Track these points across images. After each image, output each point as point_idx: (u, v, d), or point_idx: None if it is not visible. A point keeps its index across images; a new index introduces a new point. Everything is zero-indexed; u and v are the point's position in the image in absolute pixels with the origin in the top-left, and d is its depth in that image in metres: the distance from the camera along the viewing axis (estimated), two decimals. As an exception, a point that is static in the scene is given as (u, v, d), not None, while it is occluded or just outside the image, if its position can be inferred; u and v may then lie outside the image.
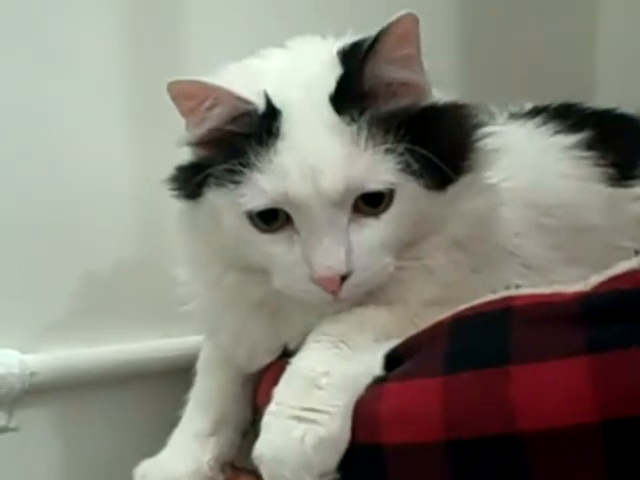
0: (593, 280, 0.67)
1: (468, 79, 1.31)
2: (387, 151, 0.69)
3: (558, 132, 0.88)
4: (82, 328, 1.01)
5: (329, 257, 0.69)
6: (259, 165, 0.70)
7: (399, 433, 0.65)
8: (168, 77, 0.71)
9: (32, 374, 0.93)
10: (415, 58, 0.71)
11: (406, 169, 0.69)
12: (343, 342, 0.71)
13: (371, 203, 0.70)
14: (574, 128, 0.88)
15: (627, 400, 0.58)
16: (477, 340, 0.66)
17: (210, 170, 0.72)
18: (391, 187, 0.70)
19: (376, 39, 0.69)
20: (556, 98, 0.97)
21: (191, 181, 0.74)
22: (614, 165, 0.85)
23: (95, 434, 1.02)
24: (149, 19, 1.07)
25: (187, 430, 0.84)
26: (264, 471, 0.68)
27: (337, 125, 0.70)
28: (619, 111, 0.95)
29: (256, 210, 0.70)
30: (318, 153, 0.69)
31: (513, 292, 0.69)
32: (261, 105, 0.71)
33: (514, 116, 0.94)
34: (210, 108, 0.71)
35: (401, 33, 0.69)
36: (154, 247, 1.05)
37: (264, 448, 0.68)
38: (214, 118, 0.71)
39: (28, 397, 0.94)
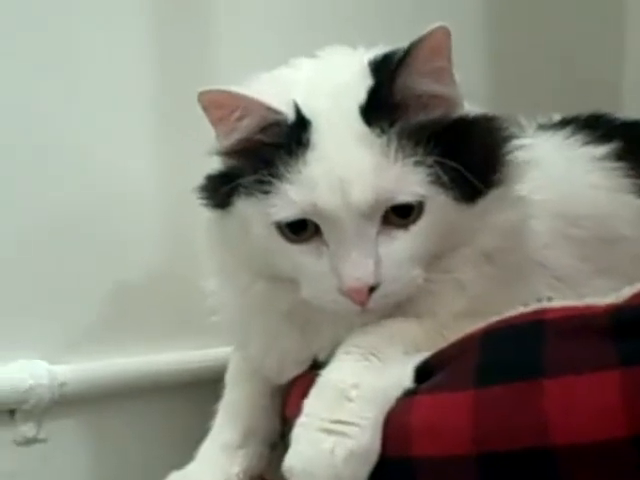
0: (625, 292, 0.66)
1: (496, 90, 1.31)
2: (417, 163, 0.69)
3: (587, 143, 0.88)
4: (111, 339, 1.01)
5: (357, 269, 0.69)
6: (288, 175, 0.70)
7: (429, 446, 0.65)
8: (198, 86, 0.72)
9: (61, 385, 0.93)
10: (447, 71, 0.71)
11: (436, 181, 0.69)
12: (373, 354, 0.71)
13: (400, 215, 0.70)
14: (603, 139, 0.87)
15: None
16: (509, 353, 0.66)
17: (239, 180, 0.72)
18: (420, 199, 0.69)
19: (408, 51, 0.69)
20: (584, 109, 0.97)
21: (220, 190, 0.74)
22: None
23: (123, 445, 1.02)
24: (178, 26, 1.08)
25: (216, 442, 0.84)
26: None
27: (367, 136, 0.69)
28: None
29: (285, 221, 0.70)
30: (347, 164, 0.69)
31: (545, 305, 0.69)
32: (290, 115, 0.71)
33: (543, 127, 0.94)
34: (240, 118, 0.71)
35: (433, 46, 0.69)
36: (182, 258, 1.05)
37: (294, 460, 0.68)
38: (243, 128, 0.71)
39: (57, 408, 0.94)
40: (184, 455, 0.84)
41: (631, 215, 0.84)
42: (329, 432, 0.66)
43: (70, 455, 0.97)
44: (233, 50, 1.10)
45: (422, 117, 0.70)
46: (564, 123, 0.92)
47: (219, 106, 0.71)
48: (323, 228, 0.70)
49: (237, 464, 0.82)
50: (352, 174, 0.69)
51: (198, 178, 0.78)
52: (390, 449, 0.67)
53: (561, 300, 0.70)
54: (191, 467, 0.83)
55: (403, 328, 0.74)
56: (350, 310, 0.70)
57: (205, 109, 0.72)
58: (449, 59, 0.70)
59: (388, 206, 0.69)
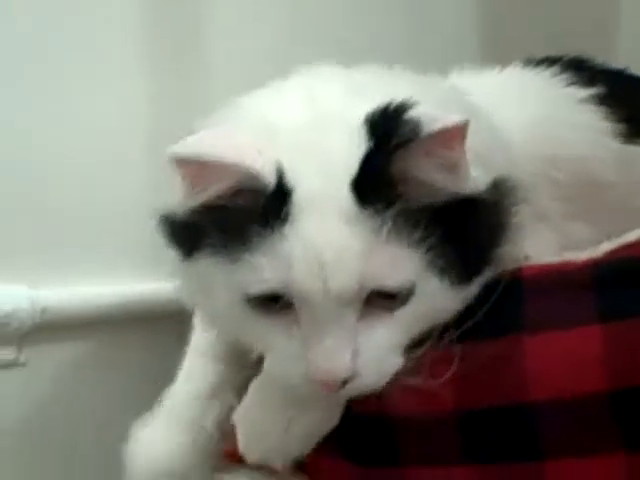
0: (604, 247, 0.67)
1: (489, 36, 1.31)
2: (411, 246, 0.60)
3: (571, 84, 0.85)
4: (94, 266, 1.03)
5: (330, 360, 0.60)
6: (261, 248, 0.60)
7: (408, 404, 0.66)
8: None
9: (42, 310, 0.95)
10: (458, 165, 0.61)
11: (430, 266, 0.61)
12: None
13: (386, 297, 0.61)
14: (587, 82, 0.86)
15: (636, 365, 0.60)
16: (490, 312, 0.65)
17: (204, 239, 0.63)
18: (409, 285, 0.61)
19: (416, 134, 0.58)
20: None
21: (183, 238, 0.66)
22: (626, 121, 0.83)
23: (102, 373, 1.04)
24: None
25: (183, 392, 0.78)
26: (240, 436, 0.69)
27: (357, 216, 0.59)
28: (630, 72, 0.94)
29: (254, 295, 0.61)
30: (330, 245, 0.59)
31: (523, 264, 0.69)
32: (271, 181, 0.60)
33: (529, 62, 0.90)
34: (214, 182, 0.60)
35: (447, 137, 0.59)
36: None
37: (246, 418, 0.70)
38: (216, 191, 0.61)
39: (37, 333, 0.96)
40: (162, 387, 0.82)
41: (612, 159, 0.83)
42: (288, 404, 0.67)
43: (48, 380, 0.99)
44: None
45: (424, 200, 0.61)
46: (550, 61, 0.89)
47: (191, 172, 0.61)
48: (297, 305, 0.61)
49: (209, 416, 0.75)
50: (334, 257, 0.59)
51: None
52: (366, 406, 0.67)
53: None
54: (157, 423, 0.76)
55: None
56: (318, 394, 0.64)
57: (177, 167, 0.61)
58: (463, 151, 0.60)
59: (373, 290, 0.61)
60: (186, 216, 0.63)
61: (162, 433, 0.75)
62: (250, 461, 0.70)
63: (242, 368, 0.75)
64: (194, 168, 0.60)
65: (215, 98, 0.68)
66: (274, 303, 0.61)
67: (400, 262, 0.60)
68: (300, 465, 0.75)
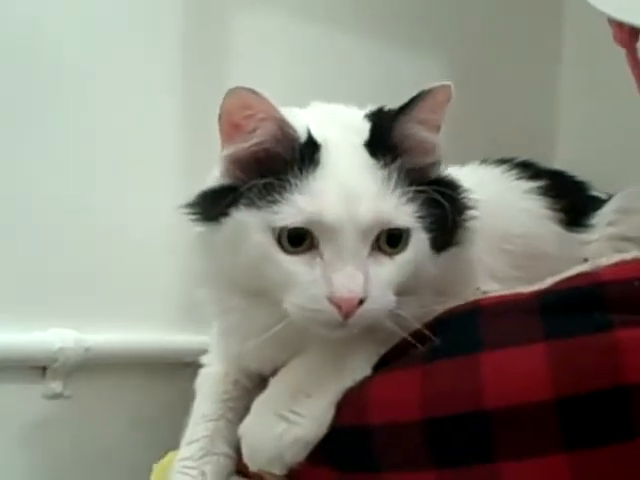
0: (549, 281, 0.75)
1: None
2: (409, 199, 0.74)
3: (519, 178, 0.97)
4: (132, 317, 1.13)
5: (351, 281, 0.71)
6: (297, 186, 0.73)
7: (383, 414, 0.73)
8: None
9: (86, 350, 1.05)
10: (439, 124, 0.77)
11: (420, 220, 0.74)
12: (338, 360, 0.77)
13: (390, 243, 0.74)
14: (533, 177, 0.97)
15: (577, 378, 0.65)
16: (453, 334, 0.74)
17: (245, 187, 0.74)
18: (411, 227, 0.74)
19: (412, 101, 0.75)
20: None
21: (217, 203, 0.76)
22: (565, 212, 0.94)
23: (135, 409, 1.12)
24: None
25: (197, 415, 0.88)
26: (243, 447, 0.78)
27: (371, 166, 0.75)
28: (569, 173, 1.04)
29: (290, 226, 0.72)
30: (354, 184, 0.73)
31: (481, 296, 0.78)
32: (303, 135, 0.75)
33: (485, 162, 1.02)
34: (262, 120, 0.74)
35: (435, 101, 0.75)
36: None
37: (248, 430, 0.77)
38: (262, 134, 0.74)
39: (82, 370, 1.05)
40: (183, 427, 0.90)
41: (552, 237, 0.93)
42: (282, 418, 0.75)
43: (89, 412, 1.08)
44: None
45: (417, 161, 0.77)
46: (501, 162, 1.00)
47: (246, 106, 0.73)
48: (321, 239, 0.72)
49: (218, 436, 0.85)
50: (358, 192, 0.73)
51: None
52: (349, 419, 0.74)
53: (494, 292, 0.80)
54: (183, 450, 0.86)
55: (366, 340, 0.78)
56: (332, 320, 0.72)
57: (227, 111, 0.75)
58: (444, 114, 0.77)
59: (384, 229, 0.73)
60: (222, 179, 0.77)
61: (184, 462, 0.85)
62: (252, 469, 0.78)
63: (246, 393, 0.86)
64: (246, 111, 0.74)
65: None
66: (299, 244, 0.73)
67: (403, 208, 0.74)
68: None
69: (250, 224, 0.74)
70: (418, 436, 0.70)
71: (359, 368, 0.77)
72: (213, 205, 0.77)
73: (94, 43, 1.11)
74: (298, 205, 0.72)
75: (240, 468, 0.84)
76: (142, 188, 1.16)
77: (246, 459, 0.78)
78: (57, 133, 1.09)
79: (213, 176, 0.79)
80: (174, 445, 0.91)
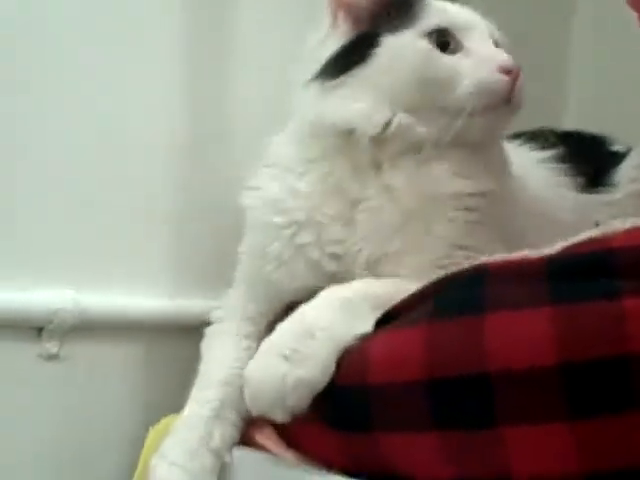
0: (558, 245, 0.75)
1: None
2: None
3: (534, 149, 1.01)
4: (133, 278, 1.12)
5: (507, 55, 0.86)
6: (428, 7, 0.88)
7: (384, 374, 0.73)
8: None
9: (82, 311, 1.03)
10: None
11: None
12: (347, 304, 0.80)
13: None
14: (547, 146, 1.00)
15: (582, 345, 0.65)
16: (458, 294, 0.74)
17: (390, 15, 0.87)
18: None
19: None
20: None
21: (359, 48, 0.87)
22: (584, 175, 0.98)
23: (131, 374, 1.11)
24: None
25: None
26: (246, 392, 0.78)
27: None
28: (586, 132, 1.08)
29: (436, 29, 0.87)
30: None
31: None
32: None
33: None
34: None
35: None
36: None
37: (251, 374, 0.78)
38: None
39: (77, 331, 1.03)
40: (180, 394, 0.91)
41: (568, 204, 0.96)
42: (286, 359, 0.75)
43: (84, 374, 1.06)
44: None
45: None
46: (514, 136, 1.04)
47: None
48: (464, 38, 0.87)
49: (215, 436, 0.87)
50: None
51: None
52: (348, 378, 0.75)
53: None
54: (169, 453, 0.86)
55: (377, 287, 0.83)
56: (504, 91, 0.84)
57: None
58: None
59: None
60: (351, 31, 0.89)
61: (174, 462, 0.85)
62: (255, 414, 0.79)
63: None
64: None
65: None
66: (445, 49, 0.87)
67: None
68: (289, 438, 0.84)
69: (406, 43, 0.86)
70: (419, 397, 0.70)
71: (368, 315, 0.79)
72: (355, 51, 0.87)
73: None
74: (437, 13, 0.88)
75: (244, 439, 0.88)
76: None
77: (248, 404, 0.79)
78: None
79: (328, 48, 0.89)
80: (171, 410, 0.93)
